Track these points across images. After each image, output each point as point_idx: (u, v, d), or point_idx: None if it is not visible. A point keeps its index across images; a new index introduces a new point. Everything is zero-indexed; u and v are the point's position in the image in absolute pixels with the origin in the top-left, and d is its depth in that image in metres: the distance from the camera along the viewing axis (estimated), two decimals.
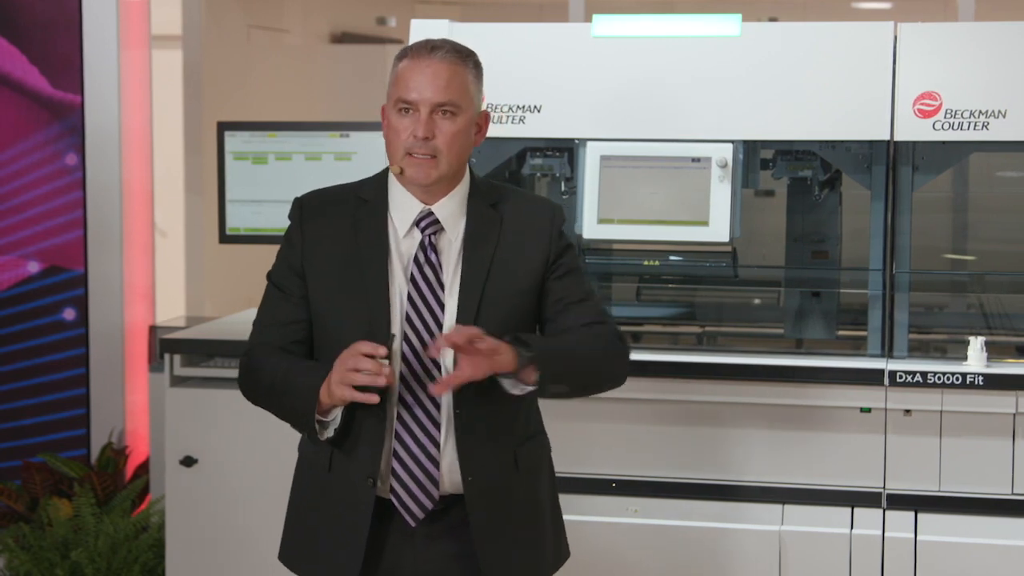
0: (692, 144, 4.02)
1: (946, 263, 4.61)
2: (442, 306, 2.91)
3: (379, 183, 3.01)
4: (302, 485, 3.08)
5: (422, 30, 4.26)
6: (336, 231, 2.95)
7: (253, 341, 2.99)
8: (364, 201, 2.97)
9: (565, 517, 3.22)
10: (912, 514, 3.95)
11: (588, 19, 4.24)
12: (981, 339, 3.92)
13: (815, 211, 4.32)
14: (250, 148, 4.87)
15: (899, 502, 3.95)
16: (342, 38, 8.15)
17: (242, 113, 5.73)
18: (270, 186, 4.88)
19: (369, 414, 2.87)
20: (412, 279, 2.91)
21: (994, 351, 3.98)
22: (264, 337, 2.97)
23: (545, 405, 3.15)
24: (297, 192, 4.80)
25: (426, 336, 2.88)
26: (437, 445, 2.90)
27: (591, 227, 4.11)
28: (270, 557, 4.47)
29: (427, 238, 2.93)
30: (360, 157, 4.80)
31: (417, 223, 2.94)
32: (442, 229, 2.96)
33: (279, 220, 4.86)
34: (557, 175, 4.29)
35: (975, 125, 3.93)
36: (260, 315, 3.01)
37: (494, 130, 4.15)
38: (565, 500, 3.26)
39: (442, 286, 2.91)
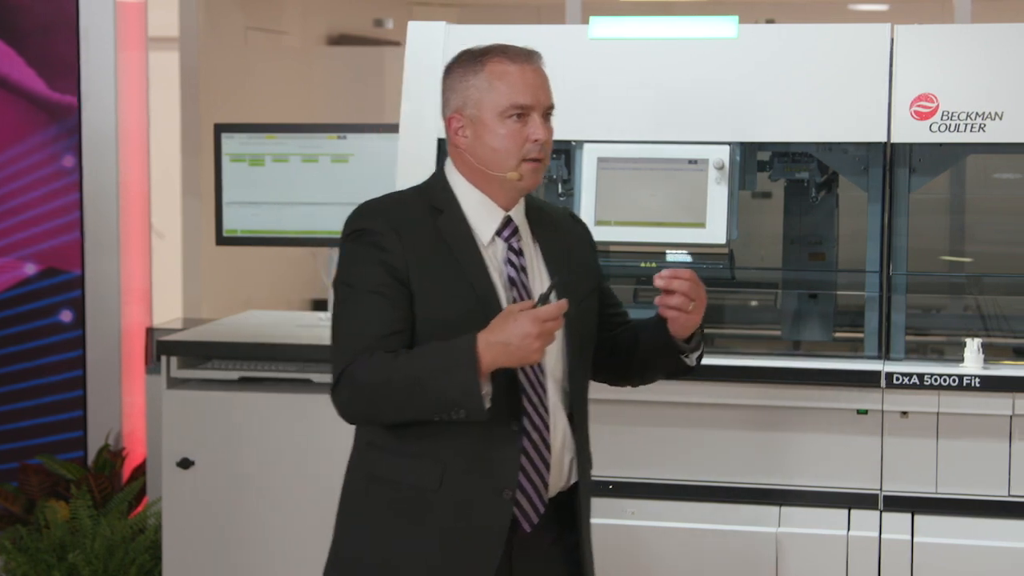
0: (689, 146, 4.02)
1: (943, 265, 4.61)
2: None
3: (444, 190, 2.93)
4: (382, 512, 2.88)
5: (419, 32, 4.27)
6: (428, 241, 2.85)
7: (356, 350, 2.78)
8: (439, 211, 2.89)
9: None
10: (909, 516, 3.95)
11: (585, 21, 4.24)
12: (978, 341, 3.92)
13: (812, 213, 4.33)
14: (247, 150, 4.87)
15: (896, 504, 3.95)
16: (339, 40, 8.15)
17: (239, 115, 5.73)
18: (267, 188, 4.88)
19: (498, 425, 2.80)
20: (512, 285, 2.88)
21: (991, 353, 3.98)
22: (373, 349, 2.77)
23: None
24: (295, 193, 4.87)
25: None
26: (549, 449, 2.88)
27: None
28: (266, 559, 4.48)
29: (514, 244, 2.92)
30: (357, 159, 4.79)
31: (499, 231, 2.91)
32: (519, 235, 2.95)
33: (276, 222, 4.89)
34: (554, 177, 4.29)
35: (972, 127, 3.94)
36: (356, 324, 2.81)
37: None
38: None
39: (531, 291, 2.90)
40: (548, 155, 2.91)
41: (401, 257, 2.81)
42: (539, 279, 2.93)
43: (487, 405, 2.71)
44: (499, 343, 2.69)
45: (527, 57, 2.89)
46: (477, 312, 2.80)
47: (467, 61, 2.91)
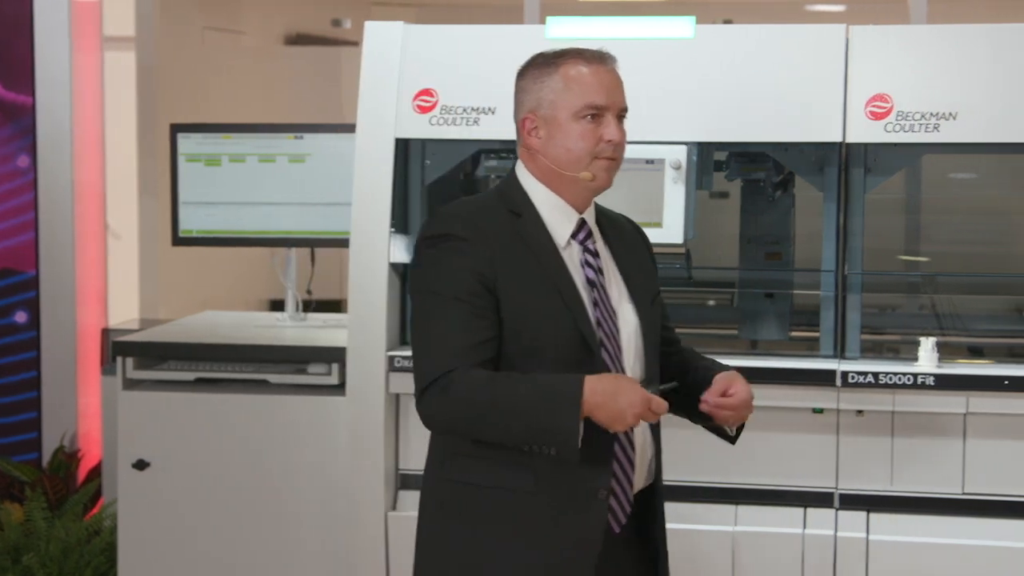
0: (646, 146, 4.02)
1: (899, 264, 4.64)
2: (615, 313, 2.90)
3: (519, 193, 2.93)
4: (478, 517, 2.86)
5: (376, 32, 4.26)
6: (511, 245, 2.85)
7: (450, 362, 2.76)
8: (517, 215, 2.89)
9: None
10: (864, 514, 3.97)
11: (543, 21, 4.24)
12: (932, 340, 3.94)
13: (768, 213, 4.35)
14: (203, 150, 4.85)
15: (851, 502, 3.97)
16: (297, 40, 8.13)
17: (197, 115, 5.70)
18: (224, 188, 4.85)
19: (589, 428, 2.78)
20: (592, 286, 2.89)
21: (946, 352, 4.00)
22: (465, 357, 2.77)
23: None
24: (252, 193, 4.85)
25: (613, 343, 2.87)
26: (635, 448, 2.90)
27: None
28: (223, 561, 4.46)
29: (590, 246, 2.93)
30: (314, 159, 4.78)
31: (575, 233, 2.92)
32: (594, 237, 2.96)
33: (233, 222, 4.86)
34: None
35: (926, 127, 3.96)
36: (446, 333, 2.79)
37: (448, 132, 4.18)
38: None
39: (608, 294, 2.91)
40: (622, 156, 2.92)
41: (489, 263, 2.81)
42: (614, 282, 2.95)
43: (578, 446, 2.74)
44: (604, 400, 2.72)
45: (602, 58, 2.90)
46: (565, 315, 2.82)
47: (541, 63, 2.91)
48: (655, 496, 2.99)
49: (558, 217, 2.91)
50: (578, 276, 2.88)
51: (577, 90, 2.86)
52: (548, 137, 2.88)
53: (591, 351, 2.82)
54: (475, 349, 2.77)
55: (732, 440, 3.07)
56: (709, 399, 2.89)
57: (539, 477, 2.81)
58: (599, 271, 2.91)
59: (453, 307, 2.79)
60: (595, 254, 2.92)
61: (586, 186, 2.90)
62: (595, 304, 2.86)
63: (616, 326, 2.89)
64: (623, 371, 2.88)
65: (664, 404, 2.76)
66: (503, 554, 2.83)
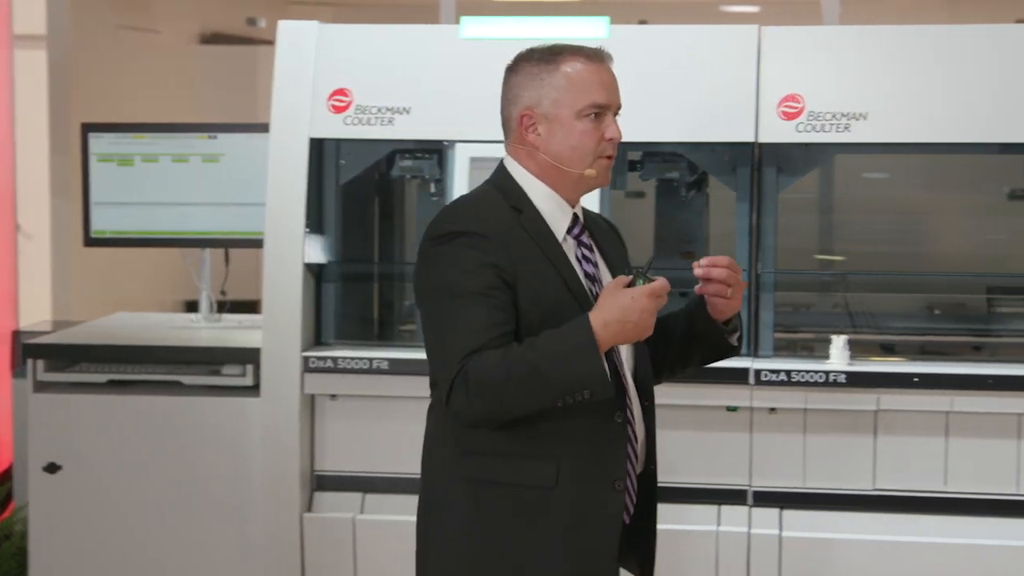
0: None
1: (812, 263, 4.68)
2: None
3: (516, 188, 2.92)
4: (497, 515, 2.83)
5: (290, 32, 4.24)
6: (520, 240, 2.84)
7: (467, 354, 2.73)
8: (518, 210, 2.88)
9: None
10: (777, 511, 4.00)
11: (459, 21, 4.24)
12: (843, 338, 3.98)
13: (683, 212, 4.37)
14: (116, 150, 4.80)
15: (765, 499, 4.00)
16: (212, 39, 8.07)
17: (110, 115, 5.64)
18: (137, 188, 4.81)
19: (603, 419, 2.82)
20: (590, 279, 2.90)
21: (859, 349, 4.05)
22: (480, 348, 2.73)
23: None
24: (165, 194, 4.80)
25: None
26: (636, 438, 2.92)
27: None
28: (135, 564, 4.42)
29: (584, 240, 2.94)
30: (228, 159, 4.74)
31: (570, 229, 2.92)
32: (587, 231, 2.97)
33: (147, 223, 4.82)
34: (426, 177, 4.29)
35: (837, 127, 4.00)
36: (464, 329, 2.75)
37: (363, 131, 4.17)
38: None
39: (603, 285, 2.91)
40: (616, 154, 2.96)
41: (507, 257, 2.79)
42: (605, 276, 2.96)
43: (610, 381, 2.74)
44: (616, 321, 2.72)
45: (601, 56, 2.91)
46: (574, 307, 2.81)
47: (539, 59, 2.90)
48: (653, 480, 3.00)
49: (555, 212, 2.92)
50: (578, 270, 2.90)
51: (581, 88, 2.87)
52: (549, 134, 2.88)
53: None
54: (495, 341, 2.74)
55: (734, 349, 3.04)
56: (702, 262, 2.90)
57: (561, 471, 2.81)
58: (595, 264, 2.94)
59: (473, 302, 2.77)
60: (590, 248, 2.95)
61: (587, 183, 2.92)
62: (595, 297, 2.86)
63: None
64: (620, 362, 2.89)
65: (664, 282, 2.76)
66: (528, 550, 2.83)
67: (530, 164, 2.92)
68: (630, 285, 2.76)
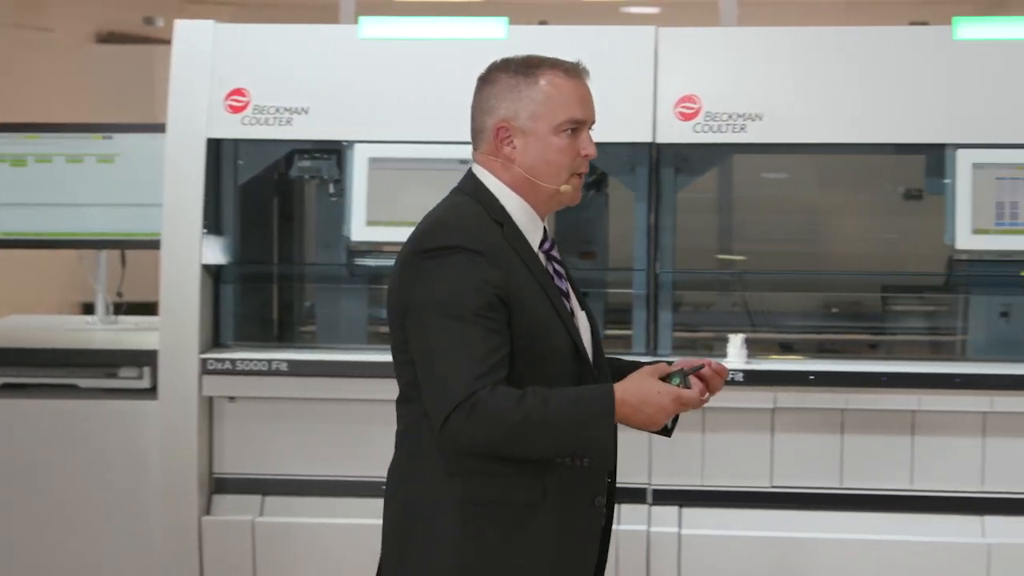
0: (460, 146, 3.99)
1: (712, 262, 4.72)
2: (574, 316, 2.86)
3: (493, 201, 2.85)
4: (487, 532, 2.79)
5: (186, 31, 4.20)
6: (507, 254, 2.77)
7: (474, 384, 2.67)
8: (500, 225, 2.81)
9: None
10: (676, 509, 4.03)
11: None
12: (741, 336, 4.02)
13: (583, 212, 4.38)
14: (8, 150, 4.72)
15: (664, 497, 4.03)
16: (108, 38, 7.98)
17: (4, 115, 5.55)
18: (30, 189, 4.74)
19: None
20: (564, 294, 2.85)
21: (758, 348, 4.09)
22: (488, 377, 2.67)
23: None
24: (60, 194, 4.73)
25: (588, 347, 2.84)
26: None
27: (359, 229, 4.11)
28: (32, 569, 4.36)
29: (555, 255, 2.88)
30: (123, 159, 4.68)
31: (540, 243, 2.86)
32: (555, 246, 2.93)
33: (41, 224, 4.75)
34: (325, 177, 4.27)
35: (733, 128, 4.04)
36: (467, 350, 2.69)
37: (261, 132, 4.14)
38: None
39: (571, 301, 2.89)
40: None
41: (501, 276, 2.73)
42: (570, 291, 2.91)
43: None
44: (632, 406, 2.69)
45: (579, 71, 2.87)
46: (558, 322, 2.78)
47: (516, 71, 2.83)
48: (613, 486, 2.96)
49: (529, 226, 2.86)
50: (559, 286, 2.87)
51: (559, 103, 2.81)
52: (524, 148, 2.82)
53: (582, 360, 2.81)
54: (496, 367, 2.69)
55: (669, 433, 2.99)
56: (712, 364, 2.83)
57: (548, 490, 2.78)
58: (567, 279, 2.90)
59: (471, 324, 2.70)
60: (560, 263, 2.90)
61: (559, 200, 2.87)
62: (571, 313, 2.84)
63: (579, 333, 2.87)
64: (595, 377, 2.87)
65: (696, 398, 2.74)
66: (515, 565, 2.79)
67: (504, 176, 2.85)
68: (664, 377, 2.73)
